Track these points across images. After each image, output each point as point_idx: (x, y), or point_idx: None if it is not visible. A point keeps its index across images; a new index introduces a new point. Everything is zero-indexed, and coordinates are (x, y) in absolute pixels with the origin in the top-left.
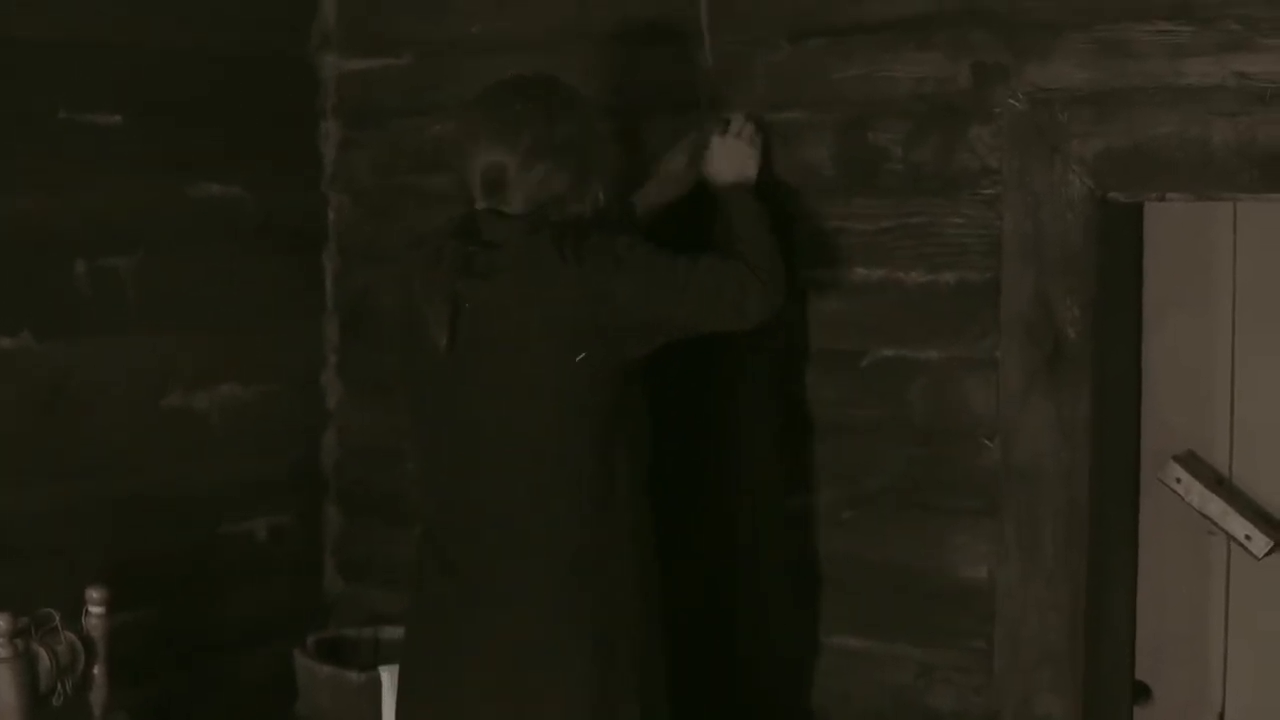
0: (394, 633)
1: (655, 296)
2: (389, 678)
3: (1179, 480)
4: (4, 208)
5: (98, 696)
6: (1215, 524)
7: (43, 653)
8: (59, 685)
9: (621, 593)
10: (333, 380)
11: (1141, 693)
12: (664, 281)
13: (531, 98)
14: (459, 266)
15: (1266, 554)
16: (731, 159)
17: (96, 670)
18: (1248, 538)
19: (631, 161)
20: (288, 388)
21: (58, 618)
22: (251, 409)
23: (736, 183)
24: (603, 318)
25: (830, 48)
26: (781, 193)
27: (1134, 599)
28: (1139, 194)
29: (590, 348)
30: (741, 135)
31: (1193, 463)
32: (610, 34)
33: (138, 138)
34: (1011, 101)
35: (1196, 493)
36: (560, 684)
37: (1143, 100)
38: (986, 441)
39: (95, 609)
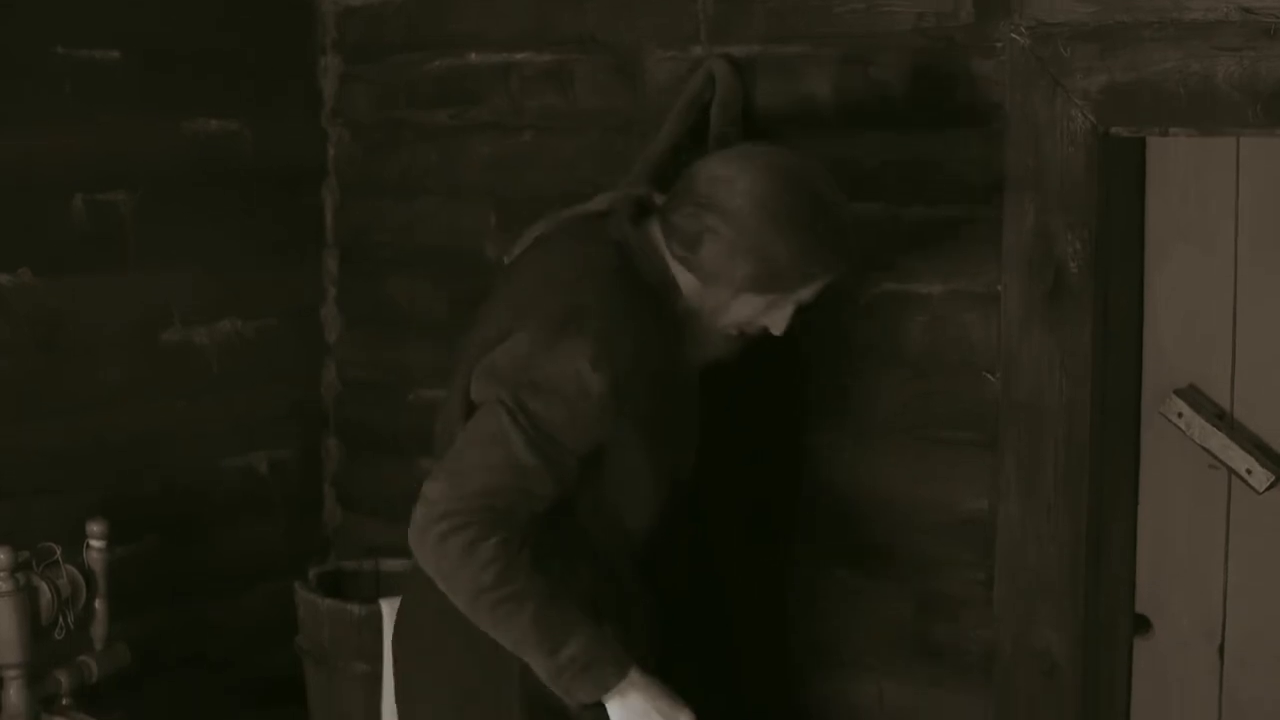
0: (394, 565)
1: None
2: (389, 610)
3: (1180, 414)
4: (1, 144)
5: (98, 629)
6: (1216, 458)
7: (44, 586)
8: (60, 618)
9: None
10: (332, 314)
11: (1142, 625)
12: (488, 425)
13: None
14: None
15: (1267, 488)
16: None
17: (97, 603)
18: (1249, 472)
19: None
20: (287, 322)
21: (58, 551)
22: (251, 343)
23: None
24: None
25: None
26: (782, 127)
27: (1134, 532)
28: (1142, 129)
29: None
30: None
31: (1194, 397)
32: None
33: (136, 73)
34: (1014, 36)
35: (1198, 427)
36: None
37: (1146, 35)
38: (988, 375)
39: (96, 543)
